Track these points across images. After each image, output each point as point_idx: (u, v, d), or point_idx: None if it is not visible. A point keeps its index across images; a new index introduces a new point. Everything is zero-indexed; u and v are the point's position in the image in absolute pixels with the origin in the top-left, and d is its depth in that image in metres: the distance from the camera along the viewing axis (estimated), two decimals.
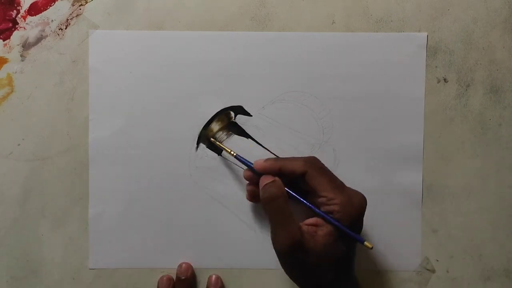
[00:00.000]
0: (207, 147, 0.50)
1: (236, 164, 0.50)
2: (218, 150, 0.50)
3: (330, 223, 0.41)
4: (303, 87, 0.50)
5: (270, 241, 0.41)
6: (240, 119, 0.50)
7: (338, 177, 0.43)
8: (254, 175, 0.46)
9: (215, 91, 0.50)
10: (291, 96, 0.50)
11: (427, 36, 0.50)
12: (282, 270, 0.42)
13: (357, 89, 0.50)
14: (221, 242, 0.50)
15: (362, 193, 0.43)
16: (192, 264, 0.50)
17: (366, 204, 0.43)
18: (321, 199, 0.42)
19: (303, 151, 0.49)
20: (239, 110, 0.50)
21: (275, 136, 0.50)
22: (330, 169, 0.43)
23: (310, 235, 0.41)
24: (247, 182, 0.47)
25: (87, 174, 0.50)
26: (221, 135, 0.50)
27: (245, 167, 0.47)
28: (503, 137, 0.50)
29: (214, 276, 0.50)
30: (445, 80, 0.50)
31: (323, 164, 0.44)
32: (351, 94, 0.50)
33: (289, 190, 0.43)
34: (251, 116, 0.50)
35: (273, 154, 0.49)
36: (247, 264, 0.50)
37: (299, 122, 0.50)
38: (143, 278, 0.50)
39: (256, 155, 0.49)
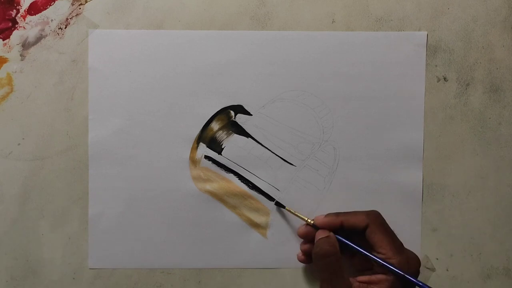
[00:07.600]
0: (207, 147, 0.50)
1: (236, 164, 0.50)
2: (218, 150, 0.50)
3: (393, 273, 0.41)
4: (303, 86, 0.50)
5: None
6: (240, 118, 0.50)
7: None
8: (310, 232, 0.45)
9: (215, 91, 0.50)
10: (291, 95, 0.50)
11: (427, 35, 0.50)
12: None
13: (357, 88, 0.50)
14: (221, 242, 0.50)
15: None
16: (192, 264, 0.50)
17: (420, 267, 0.43)
18: (378, 256, 0.42)
19: (303, 150, 0.49)
20: (239, 109, 0.50)
21: (275, 135, 0.50)
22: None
23: None
24: (302, 240, 0.47)
25: (87, 174, 0.50)
26: (221, 134, 0.50)
27: (300, 221, 0.46)
28: (503, 136, 0.50)
29: None
30: (445, 79, 0.50)
31: (385, 220, 0.44)
32: (351, 93, 0.50)
33: (350, 243, 0.43)
34: (251, 115, 0.50)
35: (273, 153, 0.49)
36: (247, 264, 0.50)
37: (299, 121, 0.50)
38: (143, 278, 0.50)
39: (256, 155, 0.49)
